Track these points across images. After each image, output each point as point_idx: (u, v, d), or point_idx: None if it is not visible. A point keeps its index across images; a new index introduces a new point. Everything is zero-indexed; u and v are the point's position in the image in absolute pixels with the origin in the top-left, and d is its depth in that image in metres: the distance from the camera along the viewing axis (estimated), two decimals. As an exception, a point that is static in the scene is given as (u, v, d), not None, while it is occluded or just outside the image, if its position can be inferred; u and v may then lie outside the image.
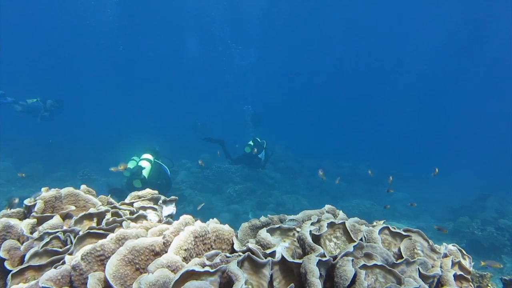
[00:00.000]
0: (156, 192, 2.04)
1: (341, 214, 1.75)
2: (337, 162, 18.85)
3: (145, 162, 7.07)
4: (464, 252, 1.53)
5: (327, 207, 1.78)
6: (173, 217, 1.97)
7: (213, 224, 1.31)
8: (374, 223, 1.81)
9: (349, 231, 1.33)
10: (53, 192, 2.04)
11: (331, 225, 1.37)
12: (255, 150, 10.13)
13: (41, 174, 12.87)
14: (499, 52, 30.03)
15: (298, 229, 1.40)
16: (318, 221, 1.45)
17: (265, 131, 14.64)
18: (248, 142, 10.36)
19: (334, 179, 15.88)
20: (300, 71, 40.82)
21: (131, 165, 7.72)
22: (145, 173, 6.91)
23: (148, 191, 2.02)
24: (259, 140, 10.39)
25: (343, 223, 1.37)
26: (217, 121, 27.22)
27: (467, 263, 1.48)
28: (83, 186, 2.21)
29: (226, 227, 1.35)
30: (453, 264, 1.37)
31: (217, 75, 37.29)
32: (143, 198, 1.97)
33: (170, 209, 1.95)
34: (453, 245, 1.55)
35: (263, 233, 1.29)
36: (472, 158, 27.66)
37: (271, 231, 1.36)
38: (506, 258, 9.12)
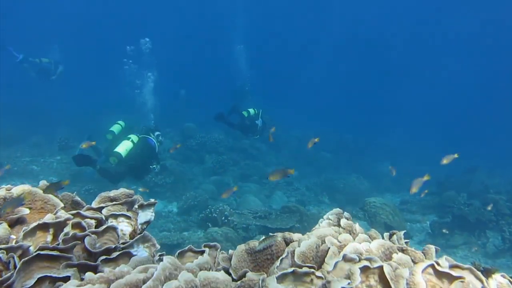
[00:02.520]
0: (131, 192, 1.67)
1: (358, 229, 1.43)
2: (324, 132, 18.61)
3: (127, 142, 6.84)
4: (516, 286, 1.23)
5: (344, 222, 1.45)
6: (150, 223, 1.62)
7: (204, 273, 0.96)
8: (395, 238, 1.50)
9: (389, 280, 1.00)
10: (1, 192, 1.64)
11: (364, 270, 1.04)
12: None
13: (15, 139, 12.24)
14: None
15: (317, 273, 1.06)
16: (344, 258, 1.11)
17: (253, 100, 14.19)
18: (246, 109, 10.06)
19: (321, 150, 15.74)
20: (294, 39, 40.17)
21: (115, 129, 7.76)
22: (122, 150, 6.62)
23: (122, 192, 1.65)
24: (254, 110, 10.11)
25: (381, 268, 1.04)
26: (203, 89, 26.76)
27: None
28: (43, 182, 1.82)
29: (221, 276, 0.99)
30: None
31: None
32: (114, 202, 1.59)
33: (148, 214, 1.59)
34: (502, 276, 1.24)
35: (272, 285, 0.94)
36: (459, 129, 27.80)
37: (282, 278, 1.02)
38: (490, 233, 9.12)
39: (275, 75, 37.64)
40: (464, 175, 13.46)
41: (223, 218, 7.40)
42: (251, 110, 9.95)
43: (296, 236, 1.32)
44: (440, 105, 32.12)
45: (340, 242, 1.26)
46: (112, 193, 1.63)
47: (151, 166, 7.44)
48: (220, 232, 6.39)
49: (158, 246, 1.55)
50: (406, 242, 1.68)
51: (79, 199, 1.73)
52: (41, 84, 13.43)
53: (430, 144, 20.65)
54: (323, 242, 1.24)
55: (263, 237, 1.27)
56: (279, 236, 1.30)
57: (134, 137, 7.04)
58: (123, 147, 6.67)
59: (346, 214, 1.80)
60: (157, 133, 7.78)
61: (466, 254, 8.41)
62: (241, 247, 1.25)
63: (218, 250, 1.44)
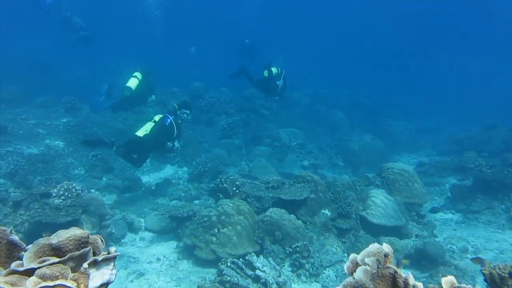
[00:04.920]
0: (84, 236, 1.19)
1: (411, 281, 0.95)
2: (337, 91, 17.94)
3: (149, 124, 7.24)
4: None
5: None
6: (108, 286, 1.15)
7: None
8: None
9: None
10: None
11: None
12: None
13: (20, 99, 11.81)
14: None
15: None
16: None
17: (262, 58, 13.46)
18: (270, 67, 9.56)
19: (333, 110, 15.12)
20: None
21: (132, 84, 8.14)
22: (140, 134, 7.04)
23: (70, 237, 1.14)
24: (278, 70, 9.58)
25: None
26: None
27: None
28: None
29: None
30: None
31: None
32: (53, 261, 1.11)
33: (105, 273, 1.12)
34: None
35: None
36: (477, 84, 26.80)
37: None
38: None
39: (288, 31, 36.49)
40: (484, 132, 12.73)
41: (234, 188, 7.02)
42: (274, 69, 9.47)
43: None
44: (460, 62, 30.76)
45: None
46: (56, 239, 1.14)
47: (168, 144, 7.54)
48: (231, 205, 6.00)
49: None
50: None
51: (16, 238, 1.21)
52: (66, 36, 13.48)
53: (449, 101, 19.97)
54: None
55: None
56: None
57: (157, 117, 7.36)
58: (142, 131, 7.11)
59: (386, 248, 1.33)
60: (182, 110, 7.76)
61: (489, 220, 7.93)
62: None
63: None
